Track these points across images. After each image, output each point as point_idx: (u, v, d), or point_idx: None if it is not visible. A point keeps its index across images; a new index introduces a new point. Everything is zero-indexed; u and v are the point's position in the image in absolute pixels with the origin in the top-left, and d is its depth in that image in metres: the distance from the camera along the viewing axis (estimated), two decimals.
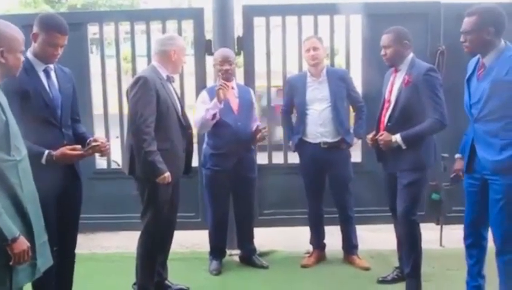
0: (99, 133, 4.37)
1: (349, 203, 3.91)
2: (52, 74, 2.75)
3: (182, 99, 3.94)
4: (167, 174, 3.02)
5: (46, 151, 2.58)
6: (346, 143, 3.83)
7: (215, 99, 3.58)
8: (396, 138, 3.13)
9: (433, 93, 3.09)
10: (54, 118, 2.69)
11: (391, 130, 3.20)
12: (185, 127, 3.26)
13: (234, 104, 3.77)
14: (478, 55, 2.80)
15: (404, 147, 3.13)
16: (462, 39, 2.78)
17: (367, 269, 3.83)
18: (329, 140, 3.80)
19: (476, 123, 2.79)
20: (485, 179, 2.80)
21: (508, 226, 2.72)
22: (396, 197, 3.28)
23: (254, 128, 3.82)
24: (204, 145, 3.90)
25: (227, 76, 3.74)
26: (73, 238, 2.95)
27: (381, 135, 3.20)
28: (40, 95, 2.64)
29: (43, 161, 2.57)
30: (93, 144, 2.73)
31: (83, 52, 4.28)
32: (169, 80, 3.25)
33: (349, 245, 3.97)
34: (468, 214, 2.98)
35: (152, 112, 3.02)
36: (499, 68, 2.66)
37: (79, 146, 2.71)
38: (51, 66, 2.74)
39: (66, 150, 2.63)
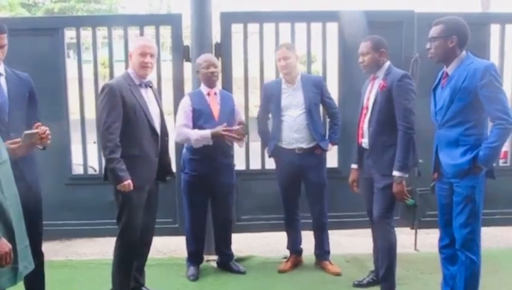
0: (75, 138, 4.35)
1: (323, 210, 3.94)
2: (2, 79, 2.77)
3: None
4: (127, 182, 3.00)
5: None
6: (321, 149, 3.86)
7: (208, 133, 3.60)
8: (395, 174, 3.16)
9: (404, 99, 3.17)
10: (1, 122, 2.70)
11: (373, 135, 3.27)
12: (157, 133, 3.22)
13: (215, 110, 3.79)
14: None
15: (406, 174, 3.17)
16: (427, 46, 2.95)
17: (338, 274, 3.87)
18: (304, 146, 3.83)
19: (440, 129, 2.96)
20: (451, 183, 2.92)
21: (469, 227, 2.84)
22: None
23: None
24: (184, 150, 3.90)
25: (213, 79, 3.78)
26: (37, 243, 2.87)
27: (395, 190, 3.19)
28: None
29: None
30: (26, 132, 2.52)
31: (59, 57, 4.25)
32: (143, 85, 3.22)
33: (322, 251, 4.01)
34: (441, 216, 3.08)
35: (116, 118, 3.02)
36: (459, 76, 2.83)
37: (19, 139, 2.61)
38: (1, 71, 2.77)
39: (7, 144, 2.57)
